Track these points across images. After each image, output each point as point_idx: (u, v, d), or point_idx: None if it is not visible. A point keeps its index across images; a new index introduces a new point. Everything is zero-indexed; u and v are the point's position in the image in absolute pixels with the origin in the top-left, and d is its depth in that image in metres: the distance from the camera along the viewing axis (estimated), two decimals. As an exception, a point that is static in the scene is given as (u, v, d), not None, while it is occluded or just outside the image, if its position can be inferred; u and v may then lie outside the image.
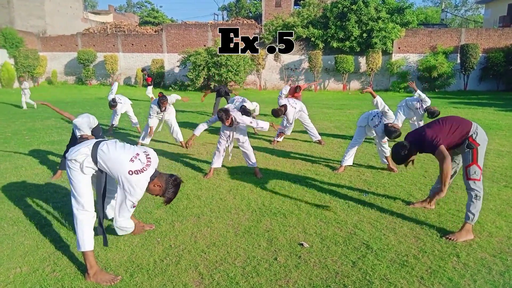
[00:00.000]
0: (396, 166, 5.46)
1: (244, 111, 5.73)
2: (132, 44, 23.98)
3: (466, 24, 43.18)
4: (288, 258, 3.01)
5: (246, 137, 5.28)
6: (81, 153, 2.76)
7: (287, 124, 7.40)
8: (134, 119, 8.62)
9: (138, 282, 2.70)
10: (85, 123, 5.01)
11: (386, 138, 5.25)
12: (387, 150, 5.35)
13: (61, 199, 4.29)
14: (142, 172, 2.71)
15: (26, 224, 3.63)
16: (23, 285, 2.65)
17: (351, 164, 5.59)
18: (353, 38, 20.68)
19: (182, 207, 4.08)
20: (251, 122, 5.03)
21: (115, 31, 24.86)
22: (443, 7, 43.69)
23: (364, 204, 4.18)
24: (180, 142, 7.16)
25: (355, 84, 22.52)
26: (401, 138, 4.19)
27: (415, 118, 7.28)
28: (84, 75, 23.35)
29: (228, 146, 5.31)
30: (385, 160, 5.52)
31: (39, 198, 4.33)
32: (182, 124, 9.72)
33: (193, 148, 7.10)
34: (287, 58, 22.68)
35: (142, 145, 6.94)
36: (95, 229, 2.83)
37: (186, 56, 21.16)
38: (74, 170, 2.76)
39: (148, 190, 2.79)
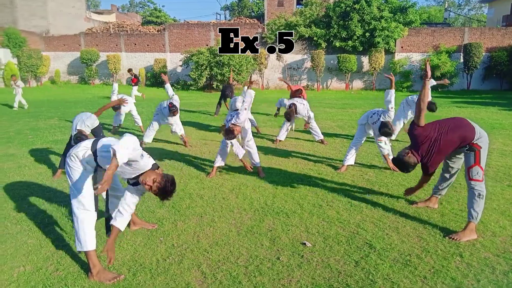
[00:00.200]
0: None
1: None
2: (135, 44, 24.03)
3: (469, 23, 43.03)
4: (290, 258, 3.01)
5: (251, 136, 5.29)
6: (82, 146, 2.79)
7: (290, 125, 7.42)
8: (138, 118, 8.66)
9: (141, 281, 2.70)
10: (84, 121, 5.00)
11: (383, 137, 5.27)
12: (384, 149, 5.37)
13: (64, 198, 4.30)
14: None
15: (29, 223, 3.65)
16: (26, 284, 2.66)
17: (353, 163, 5.58)
18: (356, 38, 20.63)
19: (184, 207, 4.08)
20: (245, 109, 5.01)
21: (118, 31, 24.91)
22: (446, 6, 43.53)
23: (367, 203, 4.17)
24: (183, 141, 7.15)
25: (357, 84, 22.47)
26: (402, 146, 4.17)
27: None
28: (87, 75, 23.41)
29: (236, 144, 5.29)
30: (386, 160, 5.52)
31: (42, 197, 4.35)
32: (184, 123, 9.73)
33: (195, 147, 7.11)
34: (289, 57, 22.65)
35: (145, 144, 6.96)
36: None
37: (188, 55, 21.17)
38: (74, 168, 2.77)
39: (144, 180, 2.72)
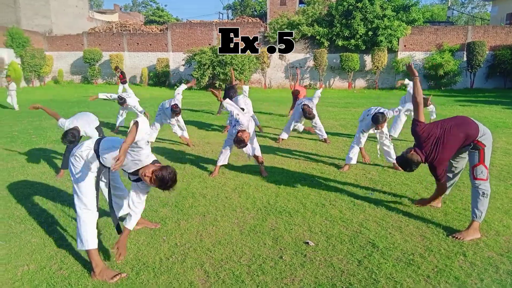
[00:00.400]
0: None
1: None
2: (138, 43, 24.06)
3: (472, 21, 42.82)
4: (293, 257, 3.01)
5: (255, 136, 5.29)
6: (85, 145, 2.83)
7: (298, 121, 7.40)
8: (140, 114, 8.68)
9: (144, 280, 2.71)
10: (90, 124, 4.96)
11: (385, 137, 5.32)
12: (387, 147, 5.41)
13: (68, 197, 4.32)
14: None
15: (33, 222, 3.66)
16: (30, 283, 2.68)
17: (355, 163, 5.57)
18: (359, 36, 20.57)
19: (187, 206, 4.09)
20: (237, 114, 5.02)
21: (121, 30, 24.96)
22: (449, 5, 43.35)
23: (370, 202, 4.17)
24: (186, 140, 7.16)
25: (360, 83, 22.42)
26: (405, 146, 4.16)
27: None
28: (90, 74, 23.47)
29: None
30: (390, 159, 5.50)
31: (46, 197, 4.36)
32: (187, 123, 9.74)
33: (198, 147, 7.12)
34: (292, 56, 22.62)
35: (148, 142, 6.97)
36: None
37: (191, 55, 21.19)
38: (77, 168, 2.80)
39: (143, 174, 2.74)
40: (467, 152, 3.49)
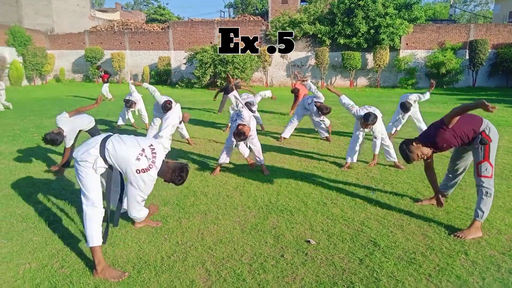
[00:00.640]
0: (403, 163, 5.42)
1: (248, 107, 5.76)
2: (139, 42, 24.07)
3: (475, 19, 42.68)
4: (295, 255, 3.01)
5: (255, 134, 5.29)
6: (91, 154, 2.82)
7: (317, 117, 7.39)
8: (145, 116, 8.69)
9: (145, 278, 2.71)
10: (68, 121, 4.93)
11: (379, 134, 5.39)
12: (386, 146, 5.43)
13: (70, 196, 4.33)
14: (149, 169, 2.83)
15: (35, 221, 3.67)
16: (32, 281, 2.68)
17: (355, 161, 5.57)
18: (360, 35, 20.53)
19: (189, 204, 4.09)
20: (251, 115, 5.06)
21: (122, 29, 24.98)
22: (451, 3, 43.17)
23: (371, 201, 4.16)
24: (186, 139, 7.17)
25: (362, 81, 22.37)
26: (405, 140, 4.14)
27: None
28: (92, 73, 23.49)
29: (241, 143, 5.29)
30: (390, 158, 5.48)
31: (48, 195, 4.37)
32: (188, 121, 9.73)
33: (199, 145, 7.12)
34: (293, 55, 22.58)
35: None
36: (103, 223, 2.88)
37: (192, 53, 21.18)
38: (84, 167, 2.81)
39: (159, 176, 2.95)
40: (470, 152, 3.47)
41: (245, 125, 4.82)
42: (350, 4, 20.39)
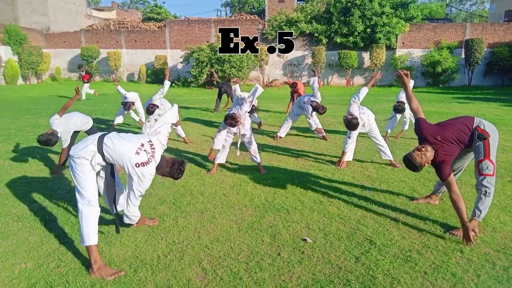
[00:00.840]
0: (399, 161, 5.44)
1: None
2: (135, 41, 23.98)
3: (471, 18, 42.84)
4: (291, 254, 3.02)
5: (251, 133, 5.30)
6: (89, 150, 2.81)
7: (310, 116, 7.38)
8: (142, 115, 8.66)
9: (142, 277, 2.71)
10: (60, 122, 4.92)
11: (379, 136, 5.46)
12: (381, 146, 5.49)
13: (65, 195, 4.31)
14: (148, 163, 2.84)
15: (30, 220, 3.65)
16: (27, 281, 2.67)
17: (351, 159, 5.59)
18: (357, 34, 20.57)
19: (185, 203, 4.09)
20: (250, 101, 5.10)
21: (118, 28, 24.86)
22: (447, 2, 43.33)
23: (368, 199, 4.17)
24: (183, 138, 7.16)
25: (358, 80, 22.41)
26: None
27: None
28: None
29: (238, 141, 5.30)
30: (386, 156, 5.49)
31: (43, 194, 4.35)
32: (184, 120, 9.73)
33: (196, 144, 7.12)
34: (290, 54, 22.57)
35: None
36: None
37: (189, 52, 21.14)
38: (80, 165, 2.80)
39: (156, 172, 2.96)
40: (470, 152, 3.47)
41: (238, 115, 4.91)
42: (347, 3, 20.42)
